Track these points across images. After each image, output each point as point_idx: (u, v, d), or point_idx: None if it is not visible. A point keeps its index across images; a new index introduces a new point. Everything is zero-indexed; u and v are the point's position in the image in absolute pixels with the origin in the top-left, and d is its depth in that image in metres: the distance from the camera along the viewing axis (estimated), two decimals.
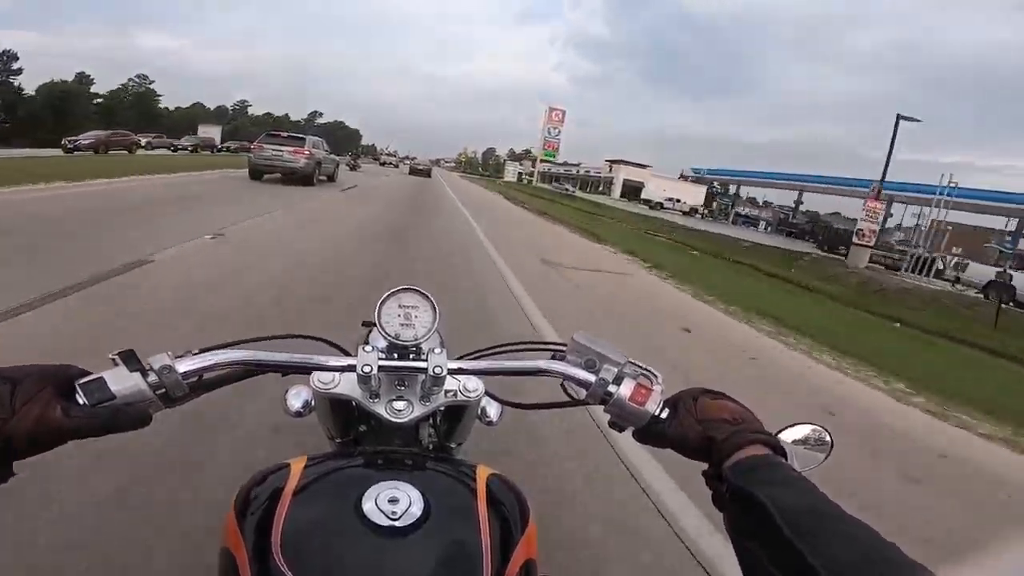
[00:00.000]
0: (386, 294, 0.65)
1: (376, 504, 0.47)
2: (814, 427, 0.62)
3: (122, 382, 0.48)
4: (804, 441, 0.61)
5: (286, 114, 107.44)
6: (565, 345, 0.63)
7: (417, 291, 0.65)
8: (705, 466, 0.53)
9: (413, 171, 36.10)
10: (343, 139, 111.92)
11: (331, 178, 16.35)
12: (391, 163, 59.45)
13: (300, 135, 14.37)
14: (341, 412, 0.72)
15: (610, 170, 64.07)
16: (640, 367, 0.59)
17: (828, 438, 0.62)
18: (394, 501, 0.47)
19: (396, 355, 0.61)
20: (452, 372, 0.60)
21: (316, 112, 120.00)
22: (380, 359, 0.58)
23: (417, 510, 0.47)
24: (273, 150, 13.28)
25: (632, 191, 59.33)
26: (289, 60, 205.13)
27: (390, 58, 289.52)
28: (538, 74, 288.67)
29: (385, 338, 0.63)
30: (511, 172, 76.20)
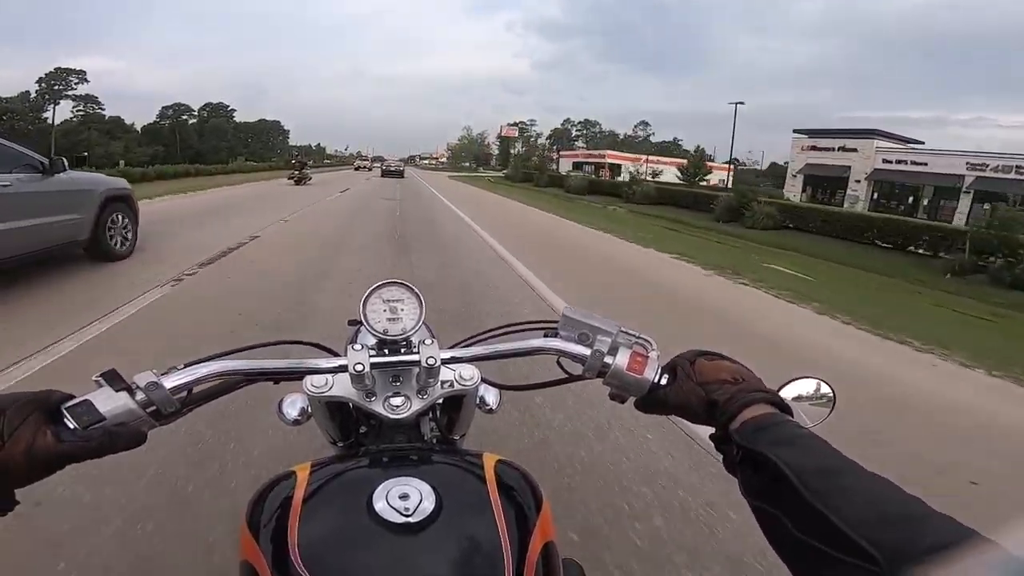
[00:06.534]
0: (369, 290, 0.63)
1: (387, 502, 0.47)
2: (815, 380, 0.61)
3: (110, 403, 0.47)
4: (805, 397, 0.60)
5: None
6: (556, 322, 0.62)
7: (400, 283, 0.65)
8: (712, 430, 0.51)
9: (385, 173, 34.19)
10: (244, 136, 67.59)
11: (92, 247, 4.63)
12: (364, 167, 51.50)
13: None
14: (339, 415, 0.71)
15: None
16: (633, 335, 0.58)
17: (830, 391, 0.61)
18: (405, 497, 0.47)
19: (387, 351, 0.60)
20: (446, 362, 0.59)
21: (70, 71, 49.08)
22: (371, 356, 0.57)
23: (429, 504, 0.47)
24: None
25: None
26: (238, 73, 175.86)
27: (342, 61, 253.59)
28: (498, 62, 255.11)
29: (373, 334, 0.62)
30: None
